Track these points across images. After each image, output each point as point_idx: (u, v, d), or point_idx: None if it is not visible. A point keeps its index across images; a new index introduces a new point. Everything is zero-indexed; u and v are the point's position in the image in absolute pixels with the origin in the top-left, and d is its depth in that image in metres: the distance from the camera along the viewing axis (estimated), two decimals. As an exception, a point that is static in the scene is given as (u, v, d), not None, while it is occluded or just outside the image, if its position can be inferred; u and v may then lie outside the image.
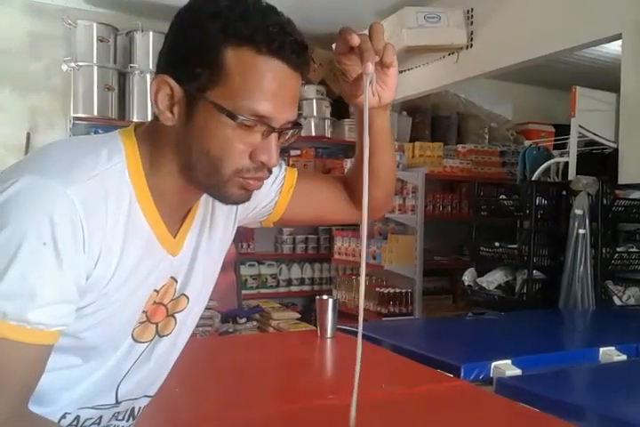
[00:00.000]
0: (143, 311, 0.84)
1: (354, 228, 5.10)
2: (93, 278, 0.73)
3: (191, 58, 0.75)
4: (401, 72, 4.38)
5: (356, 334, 1.94)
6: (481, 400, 1.37)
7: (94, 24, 4.25)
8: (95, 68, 4.23)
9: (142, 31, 4.33)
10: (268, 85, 0.73)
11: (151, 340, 0.87)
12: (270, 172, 0.81)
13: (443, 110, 5.54)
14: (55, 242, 0.67)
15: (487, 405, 1.33)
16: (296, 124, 0.80)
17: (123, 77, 4.41)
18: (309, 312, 4.28)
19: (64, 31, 4.34)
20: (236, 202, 0.82)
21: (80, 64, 4.19)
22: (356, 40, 0.80)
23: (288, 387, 1.28)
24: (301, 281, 5.29)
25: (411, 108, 5.42)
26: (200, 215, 0.90)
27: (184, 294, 0.90)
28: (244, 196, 0.81)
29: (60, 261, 0.68)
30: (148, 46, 4.37)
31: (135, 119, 4.30)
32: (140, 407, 0.93)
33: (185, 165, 0.79)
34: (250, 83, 0.73)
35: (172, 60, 0.77)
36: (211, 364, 1.55)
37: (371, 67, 0.80)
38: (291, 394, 1.33)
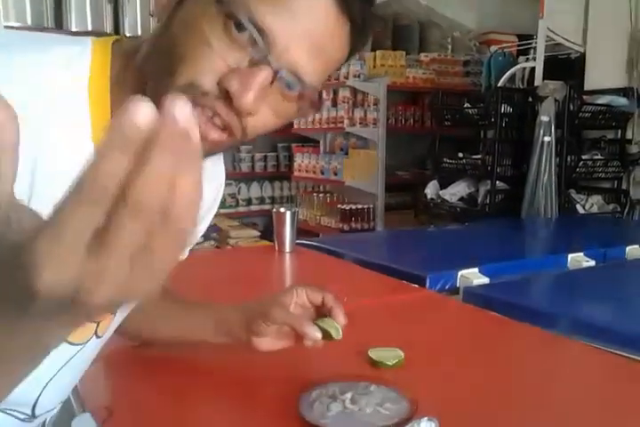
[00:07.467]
0: None
1: (314, 144, 4.95)
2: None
3: None
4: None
5: (317, 248, 1.86)
6: (448, 308, 1.30)
7: None
8: (24, -31, 3.84)
9: None
10: None
11: (86, 342, 0.69)
12: (232, 119, 0.57)
13: (404, 19, 5.29)
14: None
15: (455, 312, 1.27)
16: (310, 90, 0.59)
17: (56, -19, 4.02)
18: (271, 232, 4.19)
19: None
20: None
21: (7, -35, 3.79)
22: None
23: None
24: (261, 200, 5.19)
25: (371, 17, 5.16)
26: None
27: None
28: None
29: None
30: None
31: (74, 28, 3.96)
32: (48, 418, 0.77)
33: (143, 71, 0.59)
34: None
35: None
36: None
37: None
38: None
